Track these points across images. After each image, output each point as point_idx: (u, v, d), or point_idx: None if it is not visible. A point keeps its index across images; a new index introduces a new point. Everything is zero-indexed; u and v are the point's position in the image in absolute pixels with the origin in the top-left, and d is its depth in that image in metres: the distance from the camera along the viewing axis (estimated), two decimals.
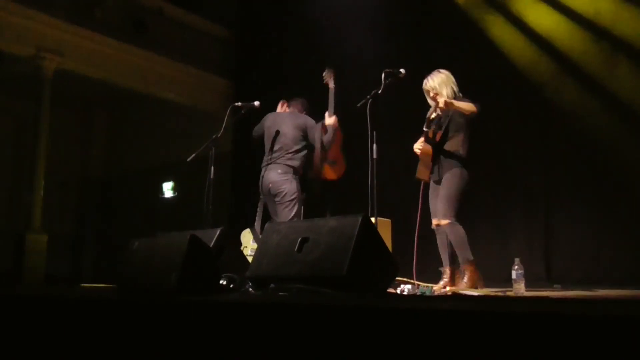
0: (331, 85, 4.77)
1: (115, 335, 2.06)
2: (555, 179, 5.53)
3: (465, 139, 3.93)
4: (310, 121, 4.78)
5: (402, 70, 3.86)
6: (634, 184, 5.04)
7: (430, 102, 4.03)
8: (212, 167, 4.59)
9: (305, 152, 4.77)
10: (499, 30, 6.00)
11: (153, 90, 9.08)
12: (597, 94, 5.27)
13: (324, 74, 4.81)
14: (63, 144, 10.41)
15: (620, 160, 5.12)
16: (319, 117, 4.83)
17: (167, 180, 10.66)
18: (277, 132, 4.72)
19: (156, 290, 2.54)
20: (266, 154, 4.78)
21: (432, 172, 4.00)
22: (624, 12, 5.20)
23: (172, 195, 10.65)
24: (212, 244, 3.11)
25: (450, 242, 3.94)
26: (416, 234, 4.08)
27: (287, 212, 4.59)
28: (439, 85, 3.96)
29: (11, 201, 10.08)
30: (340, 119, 4.77)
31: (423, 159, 4.05)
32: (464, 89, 4.03)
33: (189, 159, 4.74)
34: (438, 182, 3.98)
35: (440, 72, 4.03)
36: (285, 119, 4.83)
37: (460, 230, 3.79)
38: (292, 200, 4.62)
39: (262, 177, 4.71)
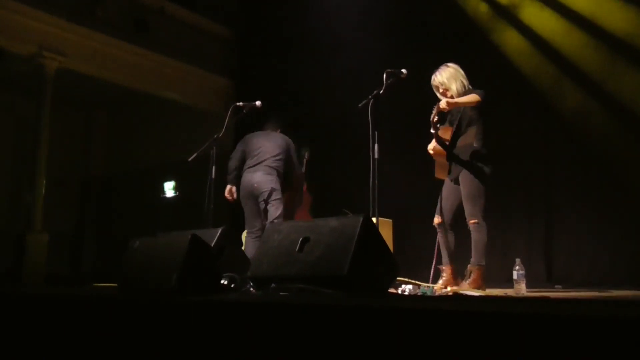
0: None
1: (115, 335, 2.06)
2: (556, 180, 5.52)
3: (479, 131, 3.88)
4: (291, 145, 5.09)
5: (403, 71, 3.83)
6: (635, 185, 5.03)
7: (440, 96, 3.99)
8: (214, 167, 4.61)
9: (283, 163, 5.01)
10: (502, 33, 5.99)
11: (154, 90, 9.08)
12: (598, 96, 5.26)
13: (301, 153, 5.41)
14: (64, 143, 10.40)
15: (621, 161, 5.11)
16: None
17: (169, 179, 10.65)
18: (260, 144, 5.00)
19: (157, 290, 2.54)
20: (249, 159, 4.98)
21: (449, 172, 3.99)
22: (627, 14, 5.19)
23: (173, 194, 10.64)
24: (213, 243, 3.11)
25: (456, 242, 3.94)
26: (438, 237, 4.08)
27: (274, 210, 4.77)
28: (448, 80, 3.93)
29: (11, 201, 10.08)
30: (339, 122, 4.93)
31: (437, 159, 4.04)
32: None
33: (190, 159, 4.76)
34: (456, 182, 3.94)
35: (448, 66, 3.99)
36: (267, 135, 5.10)
37: (484, 233, 3.76)
38: (277, 199, 4.81)
39: (246, 179, 4.90)
